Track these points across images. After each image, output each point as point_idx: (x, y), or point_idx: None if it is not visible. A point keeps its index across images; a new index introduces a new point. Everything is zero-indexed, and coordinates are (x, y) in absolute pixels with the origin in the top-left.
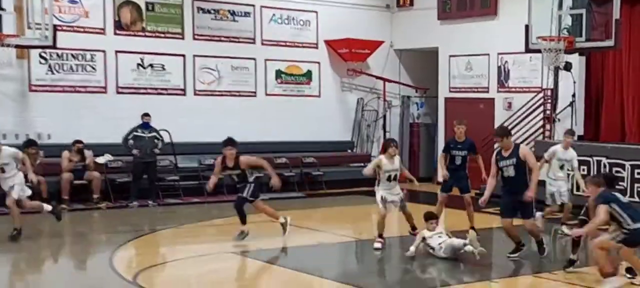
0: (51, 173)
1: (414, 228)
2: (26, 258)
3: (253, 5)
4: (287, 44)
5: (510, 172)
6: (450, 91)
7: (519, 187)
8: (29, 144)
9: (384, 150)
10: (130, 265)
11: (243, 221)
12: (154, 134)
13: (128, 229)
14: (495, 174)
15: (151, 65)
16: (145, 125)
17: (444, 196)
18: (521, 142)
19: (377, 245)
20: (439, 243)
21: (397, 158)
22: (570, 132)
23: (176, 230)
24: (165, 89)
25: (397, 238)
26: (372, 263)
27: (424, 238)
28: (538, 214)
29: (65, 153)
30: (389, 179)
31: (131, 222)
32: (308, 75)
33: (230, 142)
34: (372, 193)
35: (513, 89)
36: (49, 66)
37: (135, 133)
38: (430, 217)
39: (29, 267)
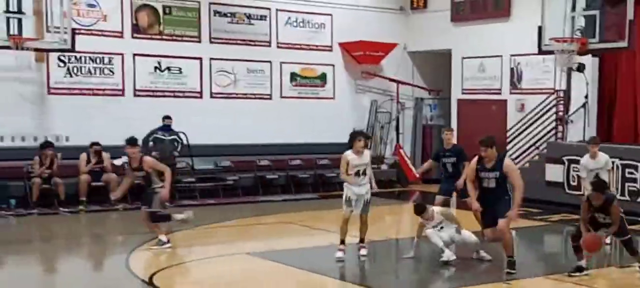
0: (69, 175)
1: (361, 241)
2: (43, 260)
3: (269, 9)
4: (302, 46)
5: (491, 183)
6: (463, 93)
7: (498, 199)
8: (45, 146)
9: (350, 145)
10: (147, 266)
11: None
12: (174, 136)
13: (145, 231)
14: (473, 180)
15: (168, 68)
16: (166, 128)
17: (441, 199)
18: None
19: (339, 254)
20: (442, 232)
21: (366, 153)
22: (595, 140)
23: (192, 231)
24: (182, 92)
25: (408, 240)
26: (385, 264)
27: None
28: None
29: (83, 156)
30: (357, 174)
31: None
32: (322, 77)
33: (130, 141)
34: (385, 196)
35: (526, 91)
36: (68, 69)
37: (155, 135)
38: (421, 211)
39: (46, 268)
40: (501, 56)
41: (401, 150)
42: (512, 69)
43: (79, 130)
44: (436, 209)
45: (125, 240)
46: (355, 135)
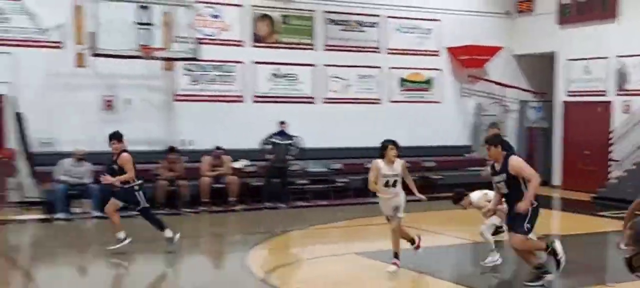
0: (192, 177)
1: (412, 242)
2: (167, 257)
3: (379, 16)
4: (410, 52)
5: (503, 189)
6: (568, 95)
7: (516, 200)
8: (169, 151)
9: (382, 154)
10: (263, 264)
11: (161, 227)
12: (289, 141)
13: (261, 230)
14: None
15: (285, 75)
16: (282, 133)
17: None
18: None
19: (392, 268)
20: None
21: (398, 163)
22: None
23: (305, 231)
24: (297, 97)
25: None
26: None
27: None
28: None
29: (205, 159)
30: (386, 185)
31: (264, 224)
32: (429, 82)
33: (114, 135)
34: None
35: (632, 92)
36: (192, 77)
37: (271, 139)
38: (458, 199)
39: (171, 265)
40: (607, 58)
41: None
42: (618, 71)
43: (202, 134)
44: (474, 197)
45: (244, 239)
46: (387, 143)
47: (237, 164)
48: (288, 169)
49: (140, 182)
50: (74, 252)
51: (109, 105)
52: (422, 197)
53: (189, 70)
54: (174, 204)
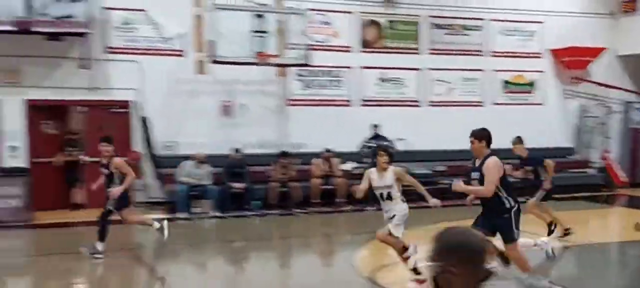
0: (304, 179)
1: (404, 250)
2: (279, 255)
3: (483, 19)
4: (514, 54)
5: (476, 185)
6: None
7: (491, 211)
8: (282, 155)
9: (374, 162)
10: (370, 263)
11: (102, 237)
12: (384, 144)
13: (368, 230)
14: None
15: (390, 79)
16: (376, 136)
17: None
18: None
19: (411, 286)
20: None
21: (390, 172)
22: None
23: (410, 232)
24: (402, 101)
25: (614, 244)
26: (593, 268)
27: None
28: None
29: (316, 161)
30: (381, 197)
31: (371, 224)
32: (532, 84)
33: (105, 139)
34: (591, 200)
35: None
36: (304, 82)
37: (366, 143)
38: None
39: (282, 263)
40: None
41: (608, 155)
42: None
43: (312, 137)
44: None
45: (352, 240)
46: (378, 149)
47: (345, 166)
48: None
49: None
50: (195, 249)
51: (226, 110)
52: (437, 202)
53: (301, 75)
54: (286, 205)
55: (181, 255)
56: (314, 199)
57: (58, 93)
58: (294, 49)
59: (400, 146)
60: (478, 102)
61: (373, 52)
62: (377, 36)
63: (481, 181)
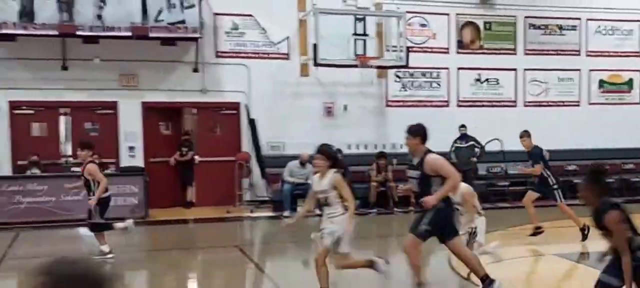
0: (402, 180)
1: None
2: (374, 254)
3: (579, 19)
4: (611, 53)
5: (415, 187)
6: None
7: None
8: (379, 156)
9: None
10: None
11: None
12: (472, 143)
13: (466, 230)
14: None
15: (487, 80)
16: (463, 137)
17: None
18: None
19: None
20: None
21: (329, 177)
22: None
23: (505, 232)
24: (498, 102)
25: None
26: None
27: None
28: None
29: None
30: (323, 204)
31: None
32: (629, 83)
33: (83, 144)
34: None
35: None
36: (402, 84)
37: (455, 144)
38: None
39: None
40: None
41: None
42: None
43: None
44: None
45: None
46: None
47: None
48: (472, 171)
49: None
50: (300, 247)
51: (329, 111)
52: (350, 222)
53: (399, 77)
54: (385, 204)
55: (286, 253)
56: (412, 199)
57: (172, 95)
58: (393, 51)
59: (493, 147)
60: (574, 102)
61: (470, 53)
62: (473, 37)
63: (422, 180)
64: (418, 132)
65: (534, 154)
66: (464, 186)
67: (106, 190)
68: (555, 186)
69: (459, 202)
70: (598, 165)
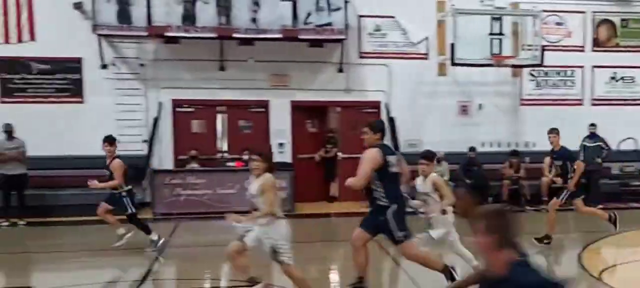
0: (534, 177)
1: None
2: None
3: None
4: None
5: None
6: None
7: (372, 201)
8: (512, 154)
9: None
10: (597, 263)
11: (147, 231)
12: (599, 143)
13: (595, 229)
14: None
15: (622, 78)
16: (591, 136)
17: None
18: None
19: None
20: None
21: (262, 179)
22: None
23: (638, 232)
24: (633, 100)
25: None
26: None
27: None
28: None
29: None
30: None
31: (601, 223)
32: None
33: (107, 139)
34: None
35: None
36: (536, 82)
37: (583, 143)
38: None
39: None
40: None
41: None
42: None
43: (543, 136)
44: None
45: (581, 237)
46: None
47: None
48: (598, 171)
49: (128, 188)
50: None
51: (464, 110)
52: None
53: (533, 75)
54: (516, 201)
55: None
56: (545, 197)
57: (319, 95)
58: (527, 50)
59: (627, 146)
60: None
61: (604, 51)
62: (609, 35)
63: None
64: (378, 128)
65: (563, 154)
66: (433, 175)
67: (121, 186)
68: None
69: (427, 192)
70: None
